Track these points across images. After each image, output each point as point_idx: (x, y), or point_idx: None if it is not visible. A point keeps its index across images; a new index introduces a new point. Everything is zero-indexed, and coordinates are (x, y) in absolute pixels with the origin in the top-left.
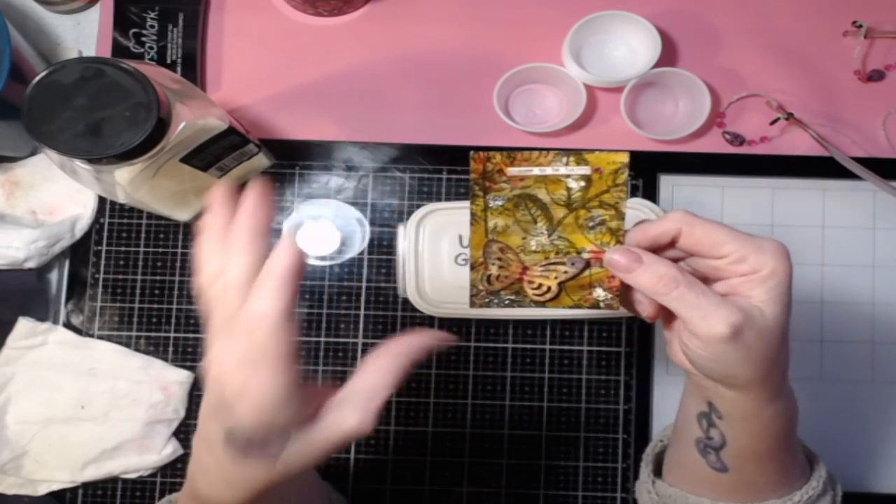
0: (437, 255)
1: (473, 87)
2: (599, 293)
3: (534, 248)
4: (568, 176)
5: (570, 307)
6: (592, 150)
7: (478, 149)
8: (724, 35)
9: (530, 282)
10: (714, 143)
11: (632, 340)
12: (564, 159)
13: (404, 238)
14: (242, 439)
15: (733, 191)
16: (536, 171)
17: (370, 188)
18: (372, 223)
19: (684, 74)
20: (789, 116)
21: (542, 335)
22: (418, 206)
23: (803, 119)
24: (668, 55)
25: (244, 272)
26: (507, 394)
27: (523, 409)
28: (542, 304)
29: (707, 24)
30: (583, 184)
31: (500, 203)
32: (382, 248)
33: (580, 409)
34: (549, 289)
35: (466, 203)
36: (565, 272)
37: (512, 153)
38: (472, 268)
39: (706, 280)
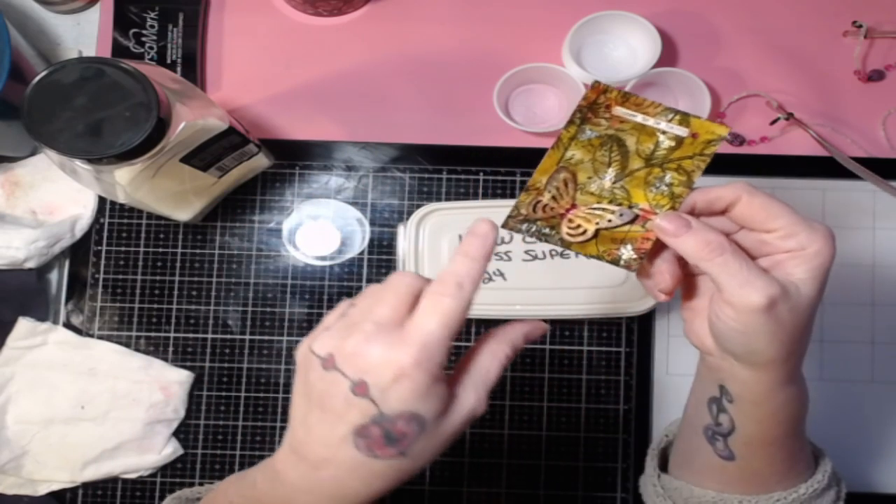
0: (437, 255)
1: (473, 87)
2: (624, 251)
3: (593, 189)
4: (665, 132)
5: (592, 256)
6: (699, 116)
7: (478, 149)
8: (724, 35)
9: (571, 220)
10: None
11: (632, 340)
12: (670, 115)
13: (404, 238)
14: (378, 433)
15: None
16: (640, 118)
17: (370, 188)
18: (372, 223)
19: (684, 74)
20: (789, 116)
21: (542, 335)
22: (418, 206)
23: (803, 119)
24: (668, 55)
25: (422, 282)
26: (508, 394)
27: (523, 409)
28: (569, 245)
29: (707, 24)
30: (673, 144)
31: (589, 136)
32: (382, 248)
33: (580, 409)
34: (584, 231)
35: (467, 203)
36: (609, 220)
37: (628, 93)
38: (526, 190)
39: (750, 256)
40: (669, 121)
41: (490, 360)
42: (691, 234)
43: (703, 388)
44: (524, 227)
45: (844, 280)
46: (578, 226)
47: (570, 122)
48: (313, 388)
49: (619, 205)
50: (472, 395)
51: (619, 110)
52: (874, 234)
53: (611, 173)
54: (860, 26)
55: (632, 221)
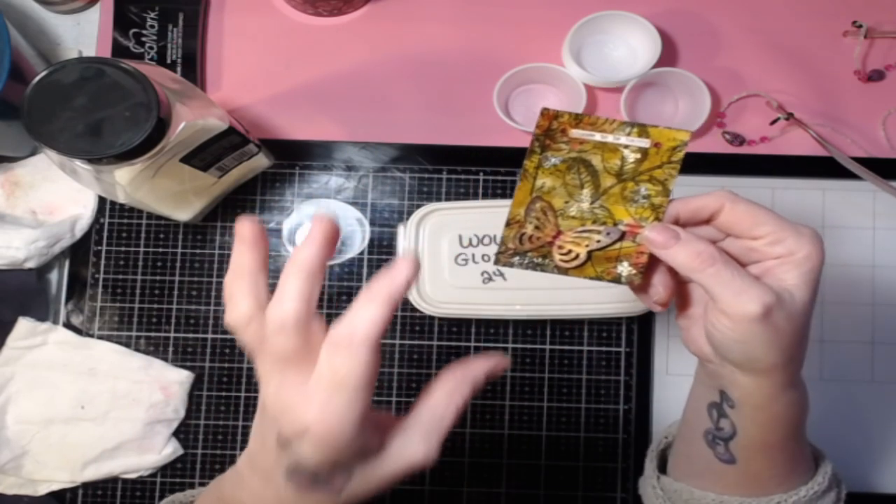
0: (437, 255)
1: (473, 87)
2: (623, 268)
3: (573, 213)
4: (627, 146)
5: (592, 278)
6: (657, 125)
7: (478, 149)
8: (724, 35)
9: (560, 247)
10: (714, 143)
11: (632, 340)
12: (627, 129)
13: (404, 238)
14: (306, 475)
15: (733, 191)
16: (598, 136)
17: (370, 188)
18: (372, 223)
19: (684, 74)
20: (789, 116)
21: (542, 335)
22: (418, 206)
23: (803, 119)
24: (668, 55)
25: (300, 309)
26: (507, 394)
27: (523, 409)
28: (565, 272)
29: (707, 24)
30: (638, 156)
31: (554, 162)
32: (382, 248)
33: (580, 409)
34: (577, 255)
35: (467, 203)
36: (598, 241)
37: (580, 115)
38: (507, 224)
39: (739, 263)
40: (628, 134)
41: (445, 405)
42: (681, 246)
43: (702, 394)
44: (516, 260)
45: (844, 280)
46: (569, 251)
47: (531, 151)
48: (259, 417)
49: (604, 224)
50: (419, 444)
51: (575, 132)
52: (874, 234)
53: (586, 194)
54: (860, 26)
55: (621, 238)
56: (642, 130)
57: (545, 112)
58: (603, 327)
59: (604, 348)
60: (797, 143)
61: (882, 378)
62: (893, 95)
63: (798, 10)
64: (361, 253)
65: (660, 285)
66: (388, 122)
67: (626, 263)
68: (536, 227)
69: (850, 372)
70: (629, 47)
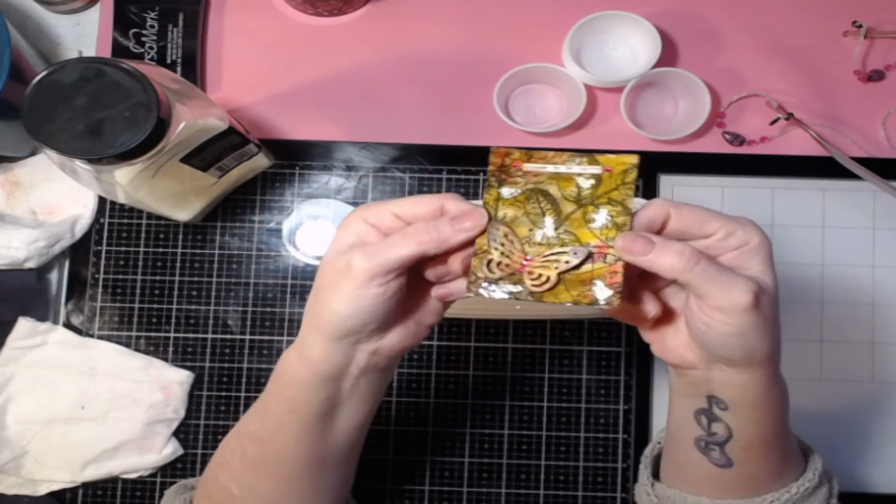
0: None
1: (473, 87)
2: (599, 290)
3: (539, 240)
4: (580, 174)
5: (568, 302)
6: (604, 152)
7: (478, 149)
8: (724, 35)
9: (530, 272)
10: (714, 143)
11: (632, 340)
12: (578, 159)
13: None
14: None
15: (733, 191)
16: (551, 168)
17: (370, 188)
18: None
19: (684, 74)
20: (789, 116)
21: (542, 335)
22: None
23: (803, 119)
24: (668, 55)
25: (400, 214)
26: (507, 394)
27: (523, 409)
28: (539, 298)
29: (707, 24)
30: (593, 182)
31: (513, 193)
32: None
33: (580, 409)
34: (547, 279)
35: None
36: (567, 262)
37: (530, 151)
38: (475, 255)
39: None
40: (579, 163)
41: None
42: (660, 250)
43: (685, 403)
44: (487, 287)
45: (844, 280)
46: (539, 275)
47: (489, 186)
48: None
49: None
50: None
51: (528, 166)
52: (874, 234)
53: (549, 221)
54: (860, 26)
55: (589, 258)
56: (592, 159)
57: (496, 150)
58: (603, 327)
59: (604, 348)
60: (797, 143)
61: (882, 378)
62: (893, 95)
63: (798, 9)
64: None
65: (649, 299)
66: (388, 122)
67: (601, 284)
68: (503, 254)
69: (850, 372)
70: (629, 47)
